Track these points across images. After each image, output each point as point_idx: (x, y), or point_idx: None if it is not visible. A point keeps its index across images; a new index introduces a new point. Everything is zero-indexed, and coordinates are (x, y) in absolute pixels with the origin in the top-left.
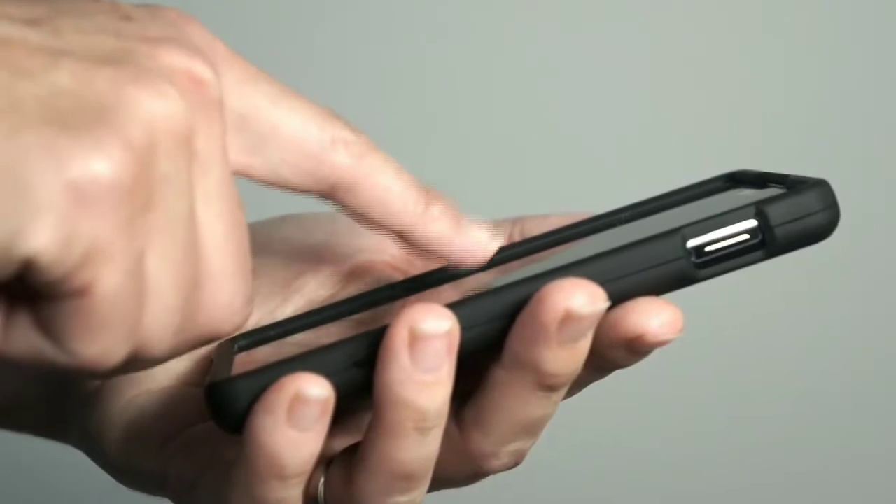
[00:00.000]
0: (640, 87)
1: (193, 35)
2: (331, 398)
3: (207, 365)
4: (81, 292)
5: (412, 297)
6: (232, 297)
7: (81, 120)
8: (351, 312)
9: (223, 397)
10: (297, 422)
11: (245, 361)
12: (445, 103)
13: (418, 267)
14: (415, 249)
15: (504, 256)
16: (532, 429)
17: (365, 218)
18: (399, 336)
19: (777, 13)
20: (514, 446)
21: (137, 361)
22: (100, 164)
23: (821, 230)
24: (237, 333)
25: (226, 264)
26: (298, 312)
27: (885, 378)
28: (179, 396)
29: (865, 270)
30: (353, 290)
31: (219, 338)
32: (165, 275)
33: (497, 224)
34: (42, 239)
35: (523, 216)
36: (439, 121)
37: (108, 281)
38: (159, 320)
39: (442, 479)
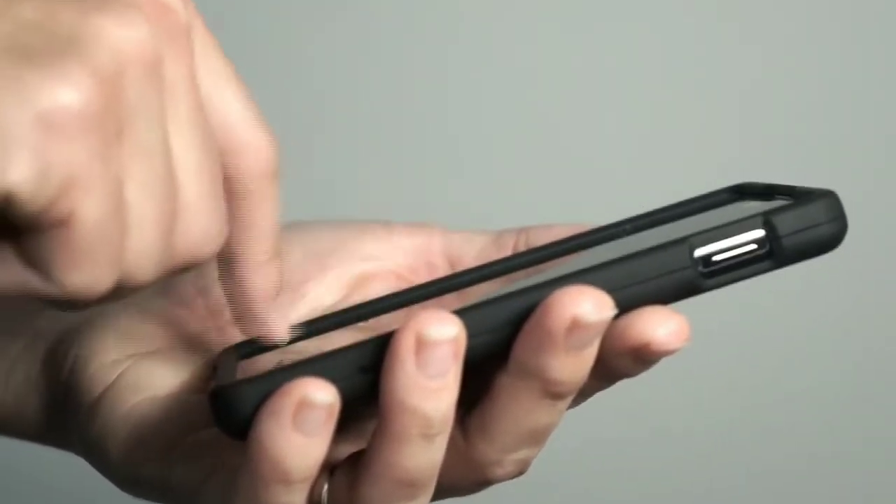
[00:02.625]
0: (647, 98)
1: None
2: (336, 403)
3: (210, 372)
4: (63, 222)
5: (417, 306)
6: (208, 223)
7: (47, 51)
8: (355, 320)
9: (228, 402)
10: (302, 427)
11: (249, 368)
12: (448, 108)
13: (423, 275)
14: (225, 284)
15: (509, 266)
16: (537, 437)
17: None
18: (405, 342)
19: (786, 21)
20: (519, 454)
21: (122, 289)
22: (67, 93)
23: (828, 241)
24: (242, 340)
25: (201, 192)
26: (303, 319)
27: (885, 379)
28: (182, 403)
29: (868, 277)
30: (357, 297)
31: (197, 263)
32: (145, 203)
33: (502, 233)
34: (17, 173)
35: (528, 226)
36: (441, 125)
37: (88, 209)
38: (142, 248)
39: (446, 487)
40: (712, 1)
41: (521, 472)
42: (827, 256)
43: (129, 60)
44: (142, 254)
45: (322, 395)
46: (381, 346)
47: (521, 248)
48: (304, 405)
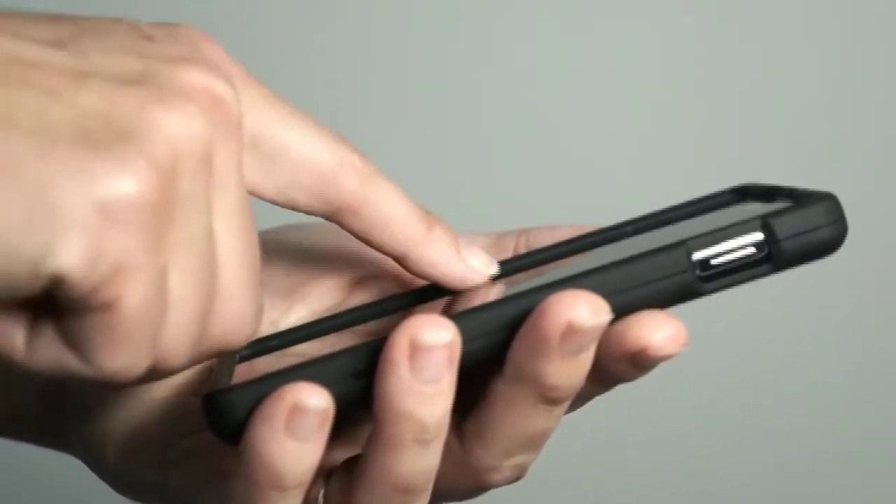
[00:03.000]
0: (649, 98)
1: (211, 54)
2: (330, 408)
3: (207, 374)
4: (107, 307)
5: (414, 309)
6: (244, 309)
7: (108, 140)
8: (354, 323)
9: (221, 407)
10: (295, 432)
11: (246, 371)
12: (448, 109)
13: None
14: (414, 271)
15: (509, 268)
16: (534, 442)
17: (368, 239)
18: (399, 347)
19: (787, 21)
20: (515, 460)
21: (156, 373)
22: (126, 184)
23: (828, 244)
24: None
25: (239, 278)
26: (302, 322)
27: (885, 379)
28: (179, 407)
29: (868, 277)
30: (357, 300)
31: (232, 348)
32: (186, 289)
33: (502, 235)
34: (70, 256)
35: (528, 228)
36: (441, 126)
37: (133, 296)
38: (179, 333)
39: (443, 493)
40: (713, 1)
41: (518, 478)
42: (827, 258)
43: (184, 152)
44: (178, 339)
45: (315, 399)
46: (376, 351)
47: (522, 249)
48: (297, 410)
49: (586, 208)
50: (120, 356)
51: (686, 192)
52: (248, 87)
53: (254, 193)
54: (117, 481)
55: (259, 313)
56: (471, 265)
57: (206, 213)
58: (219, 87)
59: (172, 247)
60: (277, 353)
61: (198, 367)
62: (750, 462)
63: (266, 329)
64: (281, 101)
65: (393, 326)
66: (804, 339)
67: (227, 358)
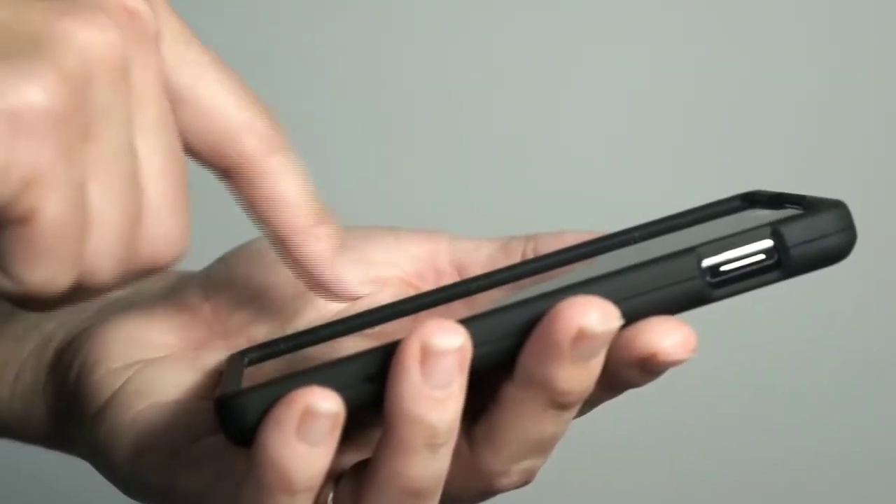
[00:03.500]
0: (660, 103)
1: None
2: (341, 413)
3: (216, 378)
4: (24, 219)
5: (424, 313)
6: (171, 228)
7: (14, 51)
8: (363, 327)
9: (233, 410)
10: (306, 436)
11: (255, 375)
12: (457, 112)
13: (430, 282)
14: (285, 261)
15: (517, 273)
16: (543, 447)
17: (251, 211)
18: (411, 351)
19: (797, 24)
20: (524, 464)
21: (82, 290)
22: (34, 92)
23: (837, 252)
24: (245, 347)
25: (165, 197)
26: (310, 326)
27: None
28: (188, 409)
29: (872, 280)
30: (364, 304)
31: (159, 269)
32: (107, 204)
33: (510, 240)
34: None
35: (536, 233)
36: (450, 128)
37: (50, 208)
38: (103, 249)
39: (452, 497)
40: (720, 5)
41: (526, 482)
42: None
43: (96, 63)
44: (102, 254)
45: (326, 404)
46: (387, 356)
47: (530, 255)
48: (309, 414)
49: (595, 212)
50: (41, 269)
51: (695, 197)
52: (169, 19)
53: None
54: (126, 484)
55: (187, 232)
56: (341, 277)
57: (124, 127)
58: (133, 1)
59: (90, 160)
60: (286, 357)
61: (206, 370)
62: (751, 461)
63: (275, 333)
64: (201, 46)
65: (403, 330)
66: (805, 339)
67: (236, 361)
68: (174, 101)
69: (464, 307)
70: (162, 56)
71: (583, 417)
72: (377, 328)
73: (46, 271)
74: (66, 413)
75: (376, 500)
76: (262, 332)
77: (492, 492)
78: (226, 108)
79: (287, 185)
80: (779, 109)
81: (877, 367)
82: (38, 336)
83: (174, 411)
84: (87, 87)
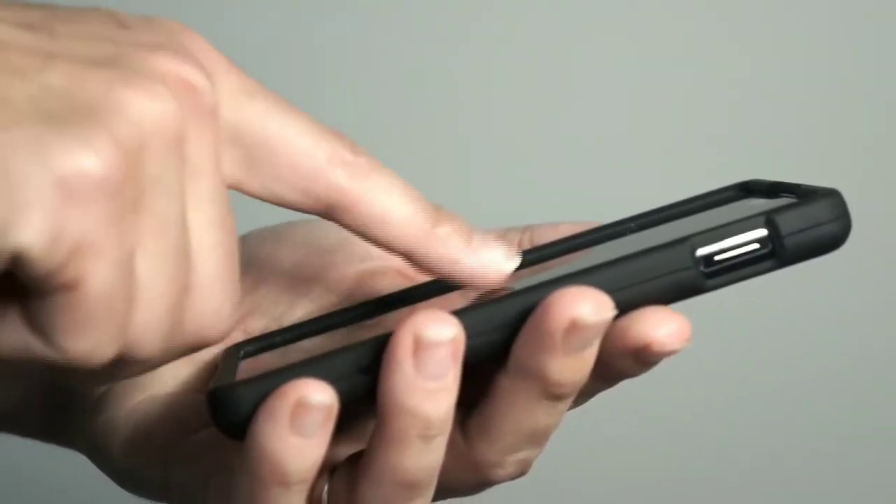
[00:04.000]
0: (655, 94)
1: (191, 44)
2: (334, 405)
3: (212, 371)
4: (70, 287)
5: (420, 304)
6: (220, 304)
7: (72, 118)
8: (359, 319)
9: (226, 403)
10: (300, 428)
11: (250, 367)
12: (454, 106)
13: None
14: (421, 269)
15: None
16: (538, 438)
17: (366, 237)
18: (403, 343)
19: (795, 16)
20: (519, 455)
21: (126, 364)
22: (88, 160)
23: (832, 240)
24: (241, 340)
25: (215, 271)
26: (306, 318)
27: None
28: (184, 402)
29: (870, 273)
30: (361, 296)
31: (206, 345)
32: (155, 276)
33: (507, 232)
34: (30, 232)
35: (533, 224)
36: (447, 123)
37: (96, 276)
38: (148, 321)
39: (447, 489)
40: (719, 5)
41: (522, 473)
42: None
43: (150, 133)
44: (147, 327)
45: (319, 396)
46: (380, 347)
47: (526, 246)
48: (302, 406)
49: (593, 204)
50: (84, 339)
51: (693, 187)
52: (231, 77)
53: (239, 189)
54: (121, 477)
55: (235, 310)
56: (484, 260)
57: (177, 200)
58: (191, 73)
59: (140, 231)
60: (282, 350)
61: (202, 362)
62: (747, 458)
63: (271, 325)
64: (266, 93)
65: (398, 322)
66: (803, 333)
67: (232, 353)
68: (253, 156)
69: (460, 298)
70: (226, 121)
71: (578, 410)
72: (373, 320)
73: (89, 342)
74: (64, 406)
75: (371, 492)
76: (258, 325)
77: (487, 483)
78: (305, 148)
79: (389, 202)
80: (777, 107)
81: (873, 361)
82: None
83: (170, 404)
84: (140, 157)
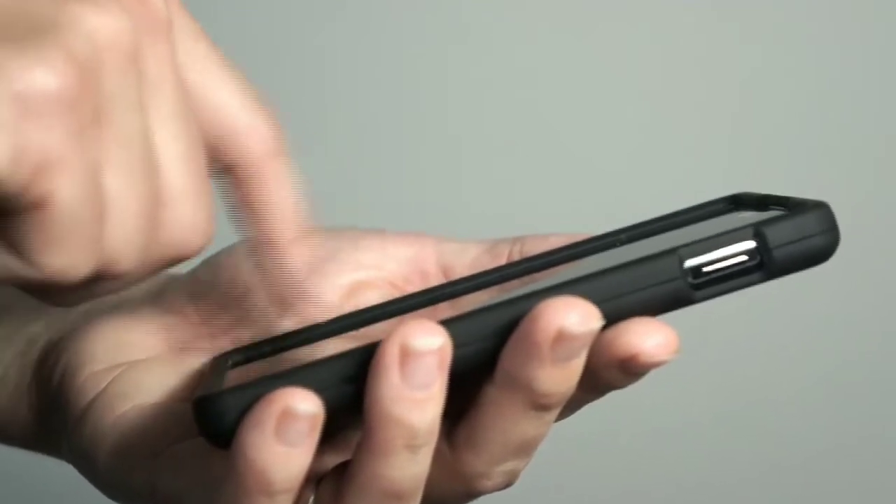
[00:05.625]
0: (651, 102)
1: None
2: (320, 414)
3: (200, 380)
4: (40, 204)
5: (409, 315)
6: (193, 215)
7: (25, 36)
8: (348, 329)
9: (211, 411)
10: (285, 437)
11: (238, 377)
12: (448, 110)
13: (417, 284)
14: (263, 268)
15: (503, 275)
16: (525, 449)
17: (241, 212)
18: (390, 352)
19: (789, 24)
20: (506, 466)
21: (105, 279)
22: (44, 76)
23: (820, 253)
24: (232, 348)
25: (186, 184)
26: (296, 328)
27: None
28: (170, 411)
29: (861, 282)
30: (350, 306)
31: (186, 256)
32: (124, 189)
33: (497, 243)
34: None
35: (523, 236)
36: (441, 126)
37: (65, 191)
38: (122, 234)
39: (434, 499)
40: (713, 4)
41: (509, 484)
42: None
43: (106, 48)
44: (122, 240)
45: (305, 405)
46: (367, 357)
47: (516, 257)
48: (287, 415)
49: (586, 211)
50: (60, 254)
51: (688, 197)
52: (179, 14)
53: None
54: (107, 485)
55: (211, 219)
56: (309, 293)
57: (137, 113)
58: None
59: (104, 145)
60: (271, 359)
61: (189, 372)
62: (741, 463)
63: (261, 335)
64: (210, 44)
65: (387, 332)
66: (796, 341)
67: (220, 363)
68: None
69: (450, 309)
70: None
71: (568, 418)
72: (362, 330)
73: (66, 257)
74: (51, 415)
75: (357, 501)
76: (247, 335)
77: (474, 494)
78: (231, 107)
79: (282, 193)
80: (774, 113)
81: (866, 368)
82: (24, 338)
83: (156, 413)
84: (96, 71)
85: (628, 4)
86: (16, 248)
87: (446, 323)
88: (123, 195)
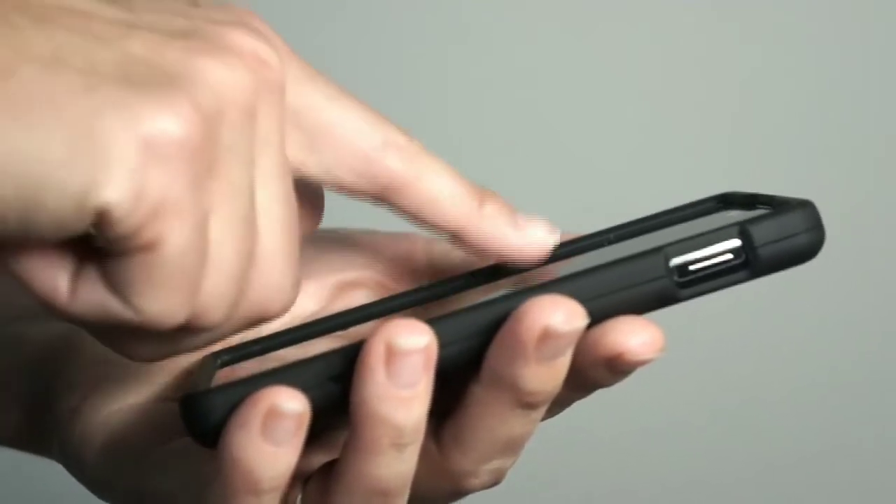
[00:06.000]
0: (648, 101)
1: (258, 25)
2: (306, 412)
3: (187, 379)
4: (150, 247)
5: (397, 314)
6: (282, 276)
7: (154, 83)
8: (337, 328)
9: (198, 410)
10: (271, 436)
11: (227, 376)
12: (447, 109)
13: (406, 284)
14: (471, 249)
15: (493, 275)
16: (511, 447)
17: (417, 219)
18: (375, 351)
19: (787, 23)
20: (493, 465)
21: (192, 332)
22: (170, 122)
23: (805, 251)
24: (221, 348)
25: (279, 245)
26: (284, 328)
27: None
28: (159, 411)
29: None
30: (340, 305)
31: (268, 318)
32: (226, 241)
33: None
34: (115, 191)
35: None
36: (439, 126)
37: (175, 237)
38: (217, 287)
39: (421, 498)
40: (713, 4)
41: (495, 483)
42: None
43: (228, 101)
44: (216, 293)
45: (291, 404)
46: (352, 356)
47: None
48: (273, 414)
49: (583, 212)
50: (160, 300)
51: (684, 195)
52: (292, 62)
53: (298, 172)
54: (96, 485)
55: (297, 284)
56: (528, 236)
57: (248, 168)
58: (264, 49)
59: (214, 196)
60: (259, 359)
61: (177, 371)
62: (731, 461)
63: (249, 334)
64: (325, 79)
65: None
66: (787, 339)
67: (208, 362)
68: (314, 139)
69: (439, 309)
70: (288, 104)
71: (556, 416)
72: (351, 330)
73: (164, 303)
74: (41, 415)
75: (344, 500)
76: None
77: (461, 492)
78: (363, 132)
79: (439, 183)
80: (774, 113)
81: (859, 367)
82: (17, 339)
83: (145, 412)
84: (218, 123)
85: (628, 4)
86: (118, 288)
87: (432, 322)
88: (224, 248)
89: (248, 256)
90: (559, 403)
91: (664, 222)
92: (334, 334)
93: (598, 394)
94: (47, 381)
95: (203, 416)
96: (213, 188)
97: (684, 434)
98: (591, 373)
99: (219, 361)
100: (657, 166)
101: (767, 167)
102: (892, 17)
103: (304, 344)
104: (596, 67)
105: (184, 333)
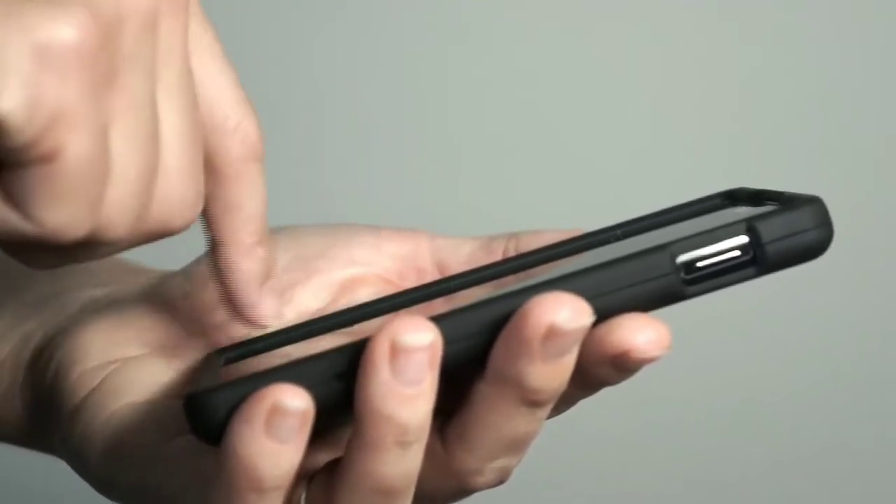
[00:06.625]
0: (650, 99)
1: None
2: (310, 410)
3: (191, 377)
4: (48, 158)
5: (402, 311)
6: (185, 191)
7: None
8: (341, 325)
9: (202, 408)
10: (275, 433)
11: (232, 373)
12: (447, 108)
13: (411, 281)
14: (214, 268)
15: (498, 272)
16: (517, 445)
17: (207, 210)
18: (380, 348)
19: (788, 21)
20: (499, 463)
21: (94, 245)
22: (66, 29)
23: (813, 248)
24: (227, 344)
25: (181, 158)
26: (289, 324)
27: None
28: (162, 409)
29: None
30: (344, 302)
31: (170, 232)
32: (128, 154)
33: (492, 239)
34: (8, 101)
35: (518, 232)
36: (440, 125)
37: (74, 147)
38: (119, 200)
39: (426, 497)
40: (713, 4)
41: (501, 481)
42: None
43: (128, 10)
44: (119, 205)
45: (295, 401)
46: (357, 353)
47: (511, 253)
48: (277, 412)
49: (585, 208)
50: (61, 211)
51: (687, 193)
52: (194, 2)
53: None
54: (99, 483)
55: (200, 199)
56: (258, 302)
57: (149, 79)
58: None
59: (114, 106)
60: (264, 355)
61: (181, 369)
62: (736, 460)
63: (255, 331)
64: (215, 37)
65: (379, 328)
66: (792, 338)
67: (213, 359)
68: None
69: (444, 305)
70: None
71: (562, 414)
72: (356, 327)
73: (66, 214)
74: (44, 412)
75: (348, 498)
76: (242, 331)
77: (467, 491)
78: (223, 101)
79: (251, 197)
80: (774, 112)
81: (862, 366)
82: (18, 335)
83: (149, 410)
84: (117, 32)
85: (628, 4)
86: (17, 201)
87: (437, 319)
88: (126, 160)
89: (151, 170)
90: (565, 401)
91: (671, 219)
92: (339, 331)
93: (604, 392)
94: (49, 379)
95: (207, 413)
96: (114, 98)
97: (688, 433)
98: (596, 370)
99: (223, 359)
100: (657, 166)
101: (767, 167)
102: (892, 17)
103: (309, 341)
104: (596, 67)
105: (86, 245)
